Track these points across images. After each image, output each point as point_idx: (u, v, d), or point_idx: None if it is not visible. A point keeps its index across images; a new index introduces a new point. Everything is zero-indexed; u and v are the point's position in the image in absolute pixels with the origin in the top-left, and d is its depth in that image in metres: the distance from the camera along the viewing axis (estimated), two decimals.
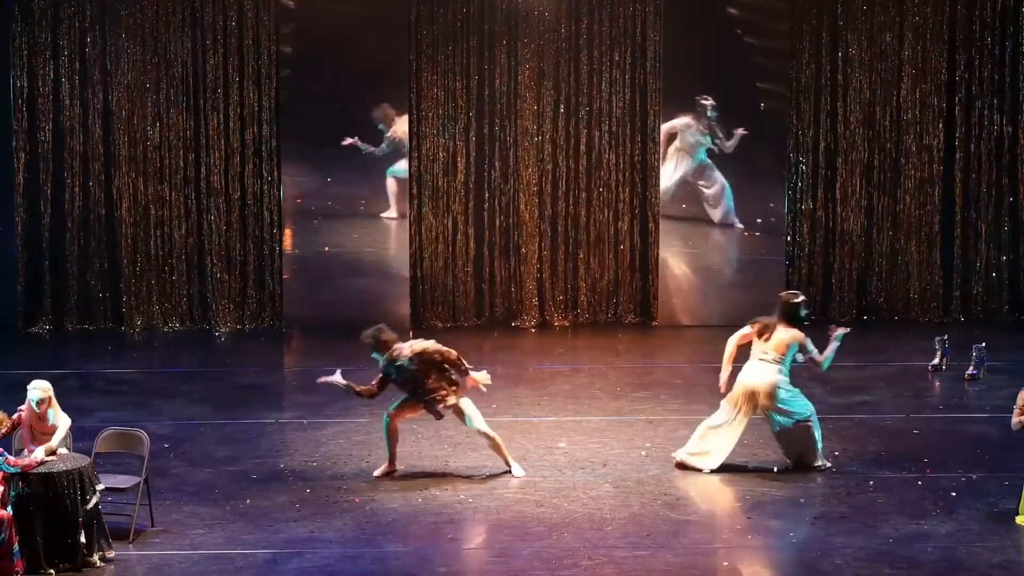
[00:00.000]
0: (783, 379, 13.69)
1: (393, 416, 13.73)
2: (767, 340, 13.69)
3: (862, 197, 19.80)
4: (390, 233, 19.81)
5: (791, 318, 13.70)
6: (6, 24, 19.11)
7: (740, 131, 19.54)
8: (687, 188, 19.80)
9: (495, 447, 13.76)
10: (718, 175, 19.76)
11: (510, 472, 13.73)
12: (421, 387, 13.57)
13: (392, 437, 13.77)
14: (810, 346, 13.72)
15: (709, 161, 19.72)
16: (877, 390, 16.67)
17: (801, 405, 13.76)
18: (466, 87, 19.47)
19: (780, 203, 19.85)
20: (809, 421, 13.77)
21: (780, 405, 13.67)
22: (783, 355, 13.68)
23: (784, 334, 13.66)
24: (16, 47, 19.17)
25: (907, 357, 18.02)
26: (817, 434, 13.82)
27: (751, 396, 13.68)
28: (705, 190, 19.80)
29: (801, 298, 13.85)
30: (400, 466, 13.86)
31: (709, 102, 19.52)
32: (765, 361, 13.68)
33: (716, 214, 19.85)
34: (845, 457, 14.26)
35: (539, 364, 17.99)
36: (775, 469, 13.89)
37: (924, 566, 11.72)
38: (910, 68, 19.59)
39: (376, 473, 13.75)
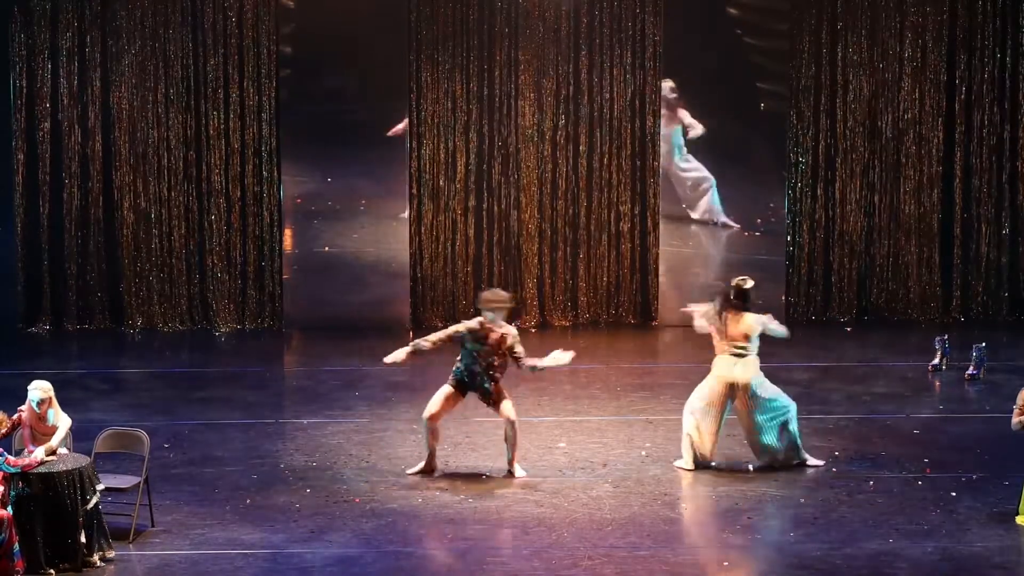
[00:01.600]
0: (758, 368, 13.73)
1: (434, 418, 13.65)
2: (730, 332, 13.70)
3: (862, 197, 19.80)
4: (390, 233, 19.81)
5: (746, 301, 13.73)
6: (6, 24, 19.09)
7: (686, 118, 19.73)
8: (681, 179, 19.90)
9: (511, 440, 13.68)
10: (696, 170, 19.87)
11: (511, 473, 13.72)
12: (486, 362, 13.56)
13: (432, 435, 13.69)
14: (772, 324, 13.77)
15: (687, 157, 19.83)
16: (877, 390, 16.67)
17: (782, 402, 13.80)
18: (466, 87, 19.47)
19: (780, 203, 19.85)
20: (788, 417, 13.81)
21: (762, 398, 13.69)
22: (749, 341, 13.69)
23: (748, 319, 13.68)
24: (16, 47, 19.16)
25: (907, 357, 18.02)
26: (794, 427, 13.85)
27: (730, 389, 13.69)
28: (687, 183, 19.89)
29: (752, 283, 13.87)
30: (401, 466, 13.86)
31: (668, 83, 19.59)
32: (738, 354, 13.67)
33: (697, 210, 19.88)
34: (845, 457, 14.26)
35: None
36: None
37: (924, 566, 11.72)
38: (910, 68, 19.58)
39: (411, 471, 13.68)
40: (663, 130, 19.62)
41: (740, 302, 13.72)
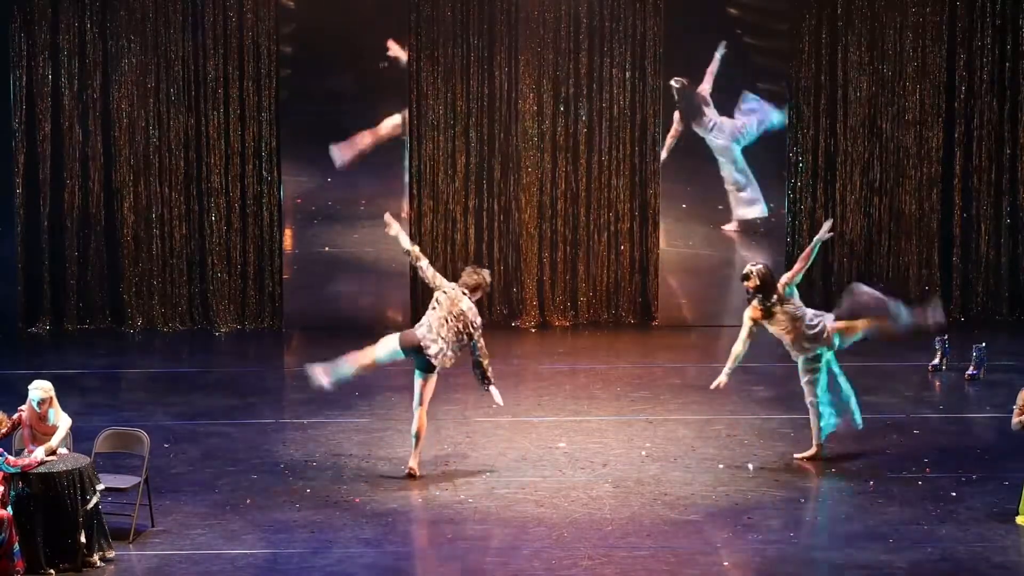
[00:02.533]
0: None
1: (423, 407, 13.59)
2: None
3: (862, 197, 19.80)
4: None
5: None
6: (6, 24, 19.10)
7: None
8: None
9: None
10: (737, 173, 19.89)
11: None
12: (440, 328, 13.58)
13: (419, 434, 13.64)
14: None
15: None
16: (877, 390, 16.67)
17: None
18: (466, 87, 19.47)
19: (780, 203, 19.85)
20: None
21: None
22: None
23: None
24: (16, 47, 19.16)
25: (907, 357, 18.02)
26: (823, 413, 13.96)
27: None
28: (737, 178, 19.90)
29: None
30: (401, 466, 13.86)
31: (677, 84, 19.61)
32: None
33: (743, 206, 19.87)
34: (846, 457, 14.26)
35: (539, 364, 17.98)
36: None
37: (924, 566, 11.72)
38: (910, 68, 19.59)
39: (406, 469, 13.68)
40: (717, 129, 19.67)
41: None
